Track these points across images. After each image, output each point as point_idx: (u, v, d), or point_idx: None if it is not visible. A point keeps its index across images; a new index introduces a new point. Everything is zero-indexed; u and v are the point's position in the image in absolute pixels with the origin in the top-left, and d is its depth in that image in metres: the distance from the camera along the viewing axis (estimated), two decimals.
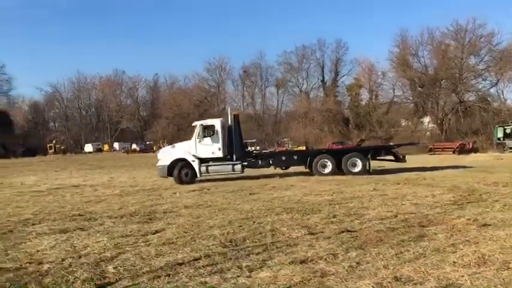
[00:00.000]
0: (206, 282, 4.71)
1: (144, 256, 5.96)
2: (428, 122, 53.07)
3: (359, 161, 18.84)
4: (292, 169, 20.62)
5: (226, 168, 18.42)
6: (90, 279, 5.00)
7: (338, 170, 18.70)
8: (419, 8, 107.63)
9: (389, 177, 16.67)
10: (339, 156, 19.04)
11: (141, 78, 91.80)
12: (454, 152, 39.15)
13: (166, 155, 18.70)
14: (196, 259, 5.66)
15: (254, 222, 8.19)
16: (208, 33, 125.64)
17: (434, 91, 51.77)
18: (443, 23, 62.02)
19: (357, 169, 18.66)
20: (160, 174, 18.57)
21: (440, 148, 42.12)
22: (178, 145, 19.45)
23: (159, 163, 18.62)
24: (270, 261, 5.44)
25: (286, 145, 52.82)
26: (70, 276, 5.14)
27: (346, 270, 4.96)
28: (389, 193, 11.83)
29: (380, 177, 16.77)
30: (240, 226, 7.81)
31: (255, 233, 7.12)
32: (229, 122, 19.12)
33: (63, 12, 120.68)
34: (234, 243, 6.49)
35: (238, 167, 18.41)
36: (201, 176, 18.23)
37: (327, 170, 18.76)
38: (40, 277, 5.18)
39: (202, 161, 18.20)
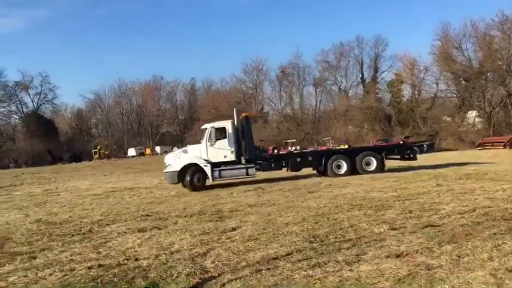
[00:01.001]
0: (311, 276, 4.74)
1: (234, 251, 6.07)
2: (475, 117, 51.38)
3: (373, 159, 18.50)
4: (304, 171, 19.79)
5: (239, 172, 17.52)
6: (193, 273, 5.14)
7: (353, 170, 18.15)
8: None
9: (446, 173, 16.26)
10: (353, 157, 18.50)
11: (179, 82, 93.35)
12: (504, 147, 37.75)
13: (176, 159, 17.57)
14: (288, 254, 5.71)
15: (328, 218, 8.18)
16: (244, 35, 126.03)
17: (480, 84, 50.10)
18: (487, 13, 60.07)
19: (372, 168, 18.30)
20: (169, 181, 17.46)
21: (489, 143, 40.71)
22: (188, 149, 18.29)
23: (168, 169, 17.49)
24: (364, 256, 5.43)
25: (328, 144, 52.35)
26: (172, 271, 5.30)
27: (450, 263, 4.89)
28: (455, 188, 11.54)
29: (436, 173, 16.38)
30: (316, 223, 7.82)
31: (335, 229, 7.11)
32: (236, 124, 18.24)
33: (102, 22, 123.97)
34: (318, 239, 6.51)
35: (252, 170, 17.62)
36: (213, 181, 17.37)
37: (342, 171, 18.23)
38: (144, 272, 5.36)
39: (213, 165, 17.24)
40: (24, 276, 5.59)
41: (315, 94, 69.86)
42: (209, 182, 17.44)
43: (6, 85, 79.39)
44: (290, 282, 4.57)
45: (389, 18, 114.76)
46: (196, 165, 17.16)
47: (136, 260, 6.02)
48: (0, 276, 5.73)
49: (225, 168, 17.36)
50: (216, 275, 5.05)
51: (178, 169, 17.08)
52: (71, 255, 6.69)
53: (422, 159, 20.80)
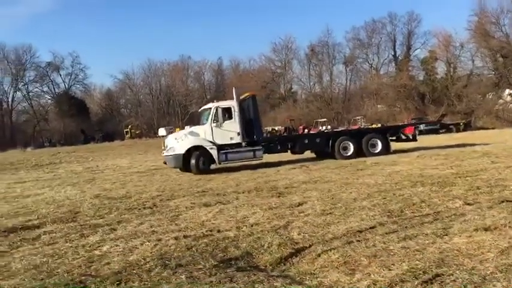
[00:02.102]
0: (406, 247, 4.78)
1: (314, 224, 6.17)
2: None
3: (379, 141, 18.29)
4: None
5: (247, 154, 16.68)
6: (284, 243, 5.26)
7: (359, 152, 17.82)
8: None
9: (494, 151, 15.96)
10: (359, 138, 18.19)
11: (207, 62, 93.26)
12: None
13: (179, 141, 16.48)
14: (372, 227, 5.77)
15: (394, 194, 8.18)
16: (273, 13, 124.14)
17: None
18: None
19: (377, 150, 18.09)
20: (173, 164, 16.53)
21: None
22: (191, 130, 17.13)
23: (171, 151, 16.37)
24: (451, 229, 5.43)
25: (359, 123, 51.83)
26: (262, 242, 5.43)
27: None
28: None
29: (484, 151, 16.12)
30: (384, 198, 7.84)
31: (407, 204, 7.11)
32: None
33: (128, 2, 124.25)
34: (394, 214, 6.54)
35: (259, 152, 16.75)
36: (219, 164, 16.53)
37: (349, 153, 17.81)
38: (233, 242, 5.51)
39: (219, 147, 16.36)
40: (116, 246, 5.81)
41: (345, 72, 68.96)
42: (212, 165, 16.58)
43: (38, 66, 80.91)
44: (389, 253, 4.62)
45: None
46: (201, 147, 16.25)
47: (219, 231, 6.18)
48: (92, 245, 5.98)
49: (231, 150, 16.52)
50: (307, 246, 5.15)
51: (183, 152, 16.08)
52: (151, 226, 6.91)
53: (463, 136, 20.46)
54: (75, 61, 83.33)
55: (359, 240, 5.17)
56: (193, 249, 5.32)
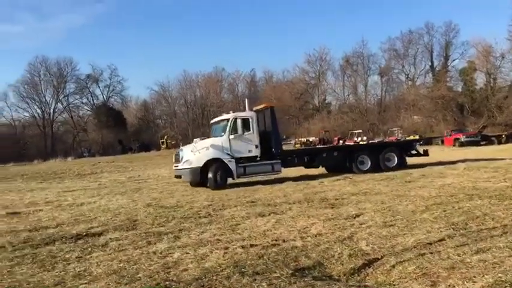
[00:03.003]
0: (484, 260, 4.76)
1: (380, 236, 6.19)
2: None
3: (394, 155, 18.01)
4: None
5: (265, 168, 15.91)
6: (355, 254, 5.32)
7: (375, 166, 17.41)
8: None
9: None
10: (376, 152, 17.89)
11: (240, 73, 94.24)
12: None
13: (196, 154, 15.50)
14: (441, 240, 5.76)
15: (454, 207, 8.10)
16: (307, 25, 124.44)
17: None
18: None
19: (393, 164, 17.79)
20: (188, 179, 15.52)
21: None
22: (207, 142, 16.10)
23: (186, 164, 15.34)
24: None
25: (396, 134, 51.12)
26: (331, 252, 5.51)
27: None
28: None
29: None
30: (444, 211, 7.77)
31: (470, 217, 7.04)
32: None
33: (159, 14, 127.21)
34: (460, 227, 6.48)
35: (278, 166, 16.04)
36: (236, 178, 15.70)
37: (366, 167, 17.38)
38: (303, 252, 5.61)
39: (236, 160, 15.55)
40: (186, 253, 5.99)
41: (380, 83, 68.29)
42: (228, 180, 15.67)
43: (78, 78, 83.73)
44: (467, 265, 4.61)
45: (461, 3, 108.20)
46: (219, 160, 15.33)
47: (284, 241, 6.28)
48: (162, 252, 6.18)
49: (250, 164, 15.72)
50: (379, 257, 5.19)
51: (201, 165, 15.12)
52: (214, 235, 7.08)
53: (507, 148, 19.97)
54: (113, 73, 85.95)
55: (431, 253, 5.18)
56: (265, 257, 5.44)
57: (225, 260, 5.46)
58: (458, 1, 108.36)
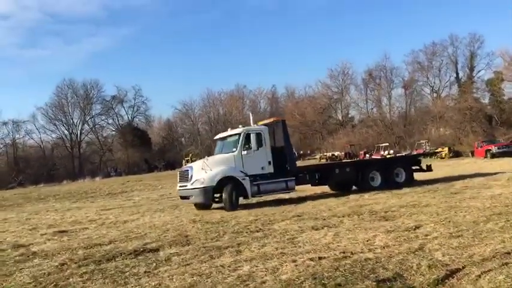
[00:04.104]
0: None
1: (452, 247, 6.06)
2: None
3: (403, 171, 17.39)
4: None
5: (279, 186, 14.83)
6: (434, 265, 5.22)
7: (386, 182, 16.60)
8: None
9: None
10: (385, 168, 17.25)
11: (262, 90, 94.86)
12: None
13: (207, 172, 14.15)
14: None
15: None
16: (328, 41, 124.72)
17: None
18: None
19: (401, 179, 17.12)
20: (200, 199, 14.08)
21: None
22: (217, 159, 14.99)
23: (198, 184, 14.02)
24: None
25: (424, 147, 50.41)
26: (408, 263, 5.42)
27: None
28: None
29: None
30: (508, 221, 7.60)
31: None
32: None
33: (180, 34, 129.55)
34: None
35: (292, 183, 15.03)
36: (251, 197, 14.61)
37: (377, 183, 16.59)
38: (378, 263, 5.52)
39: (250, 178, 14.40)
40: (255, 266, 5.97)
41: (404, 96, 67.69)
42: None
43: (104, 99, 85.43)
44: None
45: (485, 14, 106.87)
46: (232, 178, 14.17)
47: (353, 253, 6.20)
48: (230, 266, 6.17)
49: (263, 181, 14.56)
50: (460, 267, 5.08)
51: (215, 184, 13.92)
52: (276, 249, 7.04)
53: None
54: (138, 94, 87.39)
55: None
56: (341, 269, 5.38)
57: (299, 272, 5.42)
58: (481, 12, 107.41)
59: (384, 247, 6.41)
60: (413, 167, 18.22)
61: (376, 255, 5.98)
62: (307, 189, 17.04)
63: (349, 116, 77.66)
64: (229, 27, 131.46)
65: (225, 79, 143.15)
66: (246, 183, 14.17)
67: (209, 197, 13.96)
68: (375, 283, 4.74)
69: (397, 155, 50.21)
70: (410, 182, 17.06)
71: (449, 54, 67.47)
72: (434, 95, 66.47)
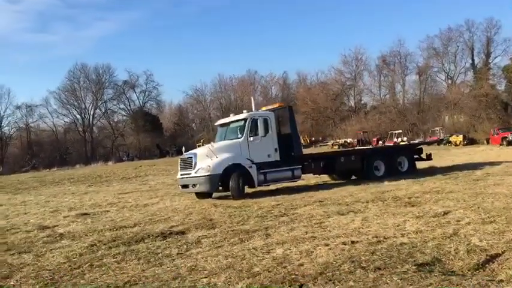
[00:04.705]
0: None
1: (488, 232, 6.02)
2: None
3: (406, 160, 17.12)
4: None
5: (285, 174, 14.27)
6: (472, 250, 5.17)
7: (389, 171, 16.30)
8: None
9: None
10: (389, 157, 16.94)
11: (274, 76, 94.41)
12: None
13: (213, 159, 13.41)
14: None
15: None
16: (341, 26, 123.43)
17: None
18: None
19: (404, 169, 16.88)
20: (205, 188, 13.33)
21: None
22: (222, 146, 14.14)
23: (202, 172, 13.27)
24: None
25: (438, 134, 49.99)
26: (445, 248, 5.38)
27: None
28: None
29: None
30: None
31: None
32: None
33: (190, 19, 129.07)
34: None
35: (298, 172, 14.52)
36: (257, 186, 13.91)
37: (380, 173, 16.26)
38: (415, 248, 5.49)
39: (257, 166, 13.79)
40: (288, 249, 5.98)
41: (418, 82, 66.88)
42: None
43: (116, 84, 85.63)
44: None
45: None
46: (239, 166, 13.55)
47: (385, 238, 6.17)
48: (262, 248, 6.17)
49: (270, 170, 13.97)
50: (500, 253, 5.03)
51: (221, 172, 13.24)
52: (306, 233, 7.03)
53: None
54: (149, 79, 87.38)
55: None
56: (377, 253, 5.36)
57: (335, 255, 5.41)
58: None
59: (416, 232, 6.36)
60: (415, 156, 17.97)
61: (411, 239, 5.95)
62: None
63: (362, 102, 77.14)
64: (239, 12, 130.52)
65: (237, 65, 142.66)
66: (253, 171, 13.57)
67: (215, 185, 13.29)
68: (414, 267, 4.71)
69: (411, 142, 50.04)
70: (413, 171, 16.77)
71: (465, 40, 66.60)
72: (449, 81, 65.79)
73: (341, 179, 16.88)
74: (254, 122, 14.03)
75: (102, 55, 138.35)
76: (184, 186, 14.10)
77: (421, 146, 19.17)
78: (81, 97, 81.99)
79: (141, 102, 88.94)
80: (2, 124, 75.97)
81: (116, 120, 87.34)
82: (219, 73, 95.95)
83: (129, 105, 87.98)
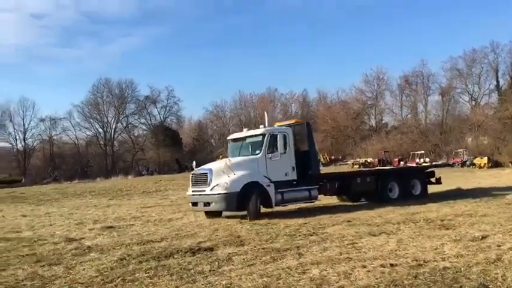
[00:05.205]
0: None
1: None
2: None
3: (418, 183, 16.55)
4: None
5: (302, 194, 13.51)
6: None
7: (403, 194, 15.76)
8: None
9: None
10: (403, 179, 16.33)
11: (294, 94, 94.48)
12: None
13: (230, 176, 12.43)
14: None
15: None
16: (363, 44, 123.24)
17: None
18: None
19: (417, 192, 16.31)
20: (221, 206, 12.43)
21: None
22: (237, 162, 13.16)
23: (219, 189, 12.28)
24: None
25: (462, 156, 49.13)
26: (492, 274, 5.17)
27: None
28: None
29: None
30: None
31: None
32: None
33: (213, 36, 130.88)
34: None
35: (315, 192, 13.78)
36: (274, 206, 13.07)
37: (395, 195, 15.68)
38: (459, 273, 5.29)
39: (275, 185, 12.91)
40: (325, 270, 5.82)
41: (441, 103, 66.16)
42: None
43: (137, 99, 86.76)
44: None
45: None
46: (257, 184, 12.63)
47: (426, 261, 5.96)
48: (297, 268, 6.02)
49: (287, 189, 13.16)
50: None
51: (239, 190, 12.24)
52: (340, 253, 6.86)
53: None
54: (170, 94, 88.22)
55: None
56: (420, 277, 5.17)
57: (376, 279, 5.23)
58: None
59: (457, 256, 6.15)
60: (428, 180, 17.26)
61: (453, 264, 5.74)
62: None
63: (383, 122, 76.54)
64: (261, 30, 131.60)
65: (257, 83, 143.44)
66: (271, 191, 12.69)
67: (232, 204, 12.24)
68: None
69: (433, 163, 49.22)
70: (425, 195, 16.26)
71: (489, 61, 65.88)
72: (473, 103, 64.95)
73: (351, 200, 16.31)
74: (273, 137, 13.23)
75: (126, 70, 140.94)
76: (195, 204, 13.26)
77: (433, 169, 18.42)
78: (103, 111, 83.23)
79: (161, 117, 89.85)
80: (26, 136, 77.43)
81: (136, 134, 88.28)
82: (240, 90, 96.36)
83: (150, 119, 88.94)
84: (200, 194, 12.94)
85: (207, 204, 12.65)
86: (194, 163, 14.39)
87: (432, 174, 17.67)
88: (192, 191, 13.43)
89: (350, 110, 74.71)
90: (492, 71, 65.72)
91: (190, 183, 13.68)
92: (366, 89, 76.77)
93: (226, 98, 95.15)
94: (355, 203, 15.89)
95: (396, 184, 15.91)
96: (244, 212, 12.54)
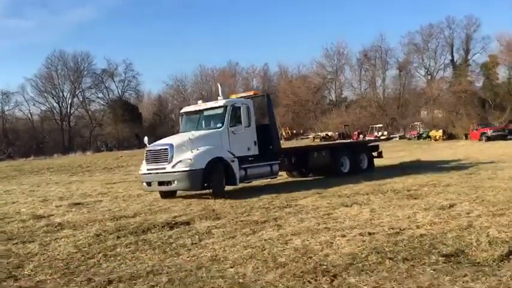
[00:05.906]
0: None
1: (502, 225, 6.10)
2: None
3: (365, 157, 17.01)
4: None
5: (265, 170, 12.94)
6: (494, 242, 5.23)
7: (353, 168, 15.91)
8: None
9: None
10: (354, 153, 16.50)
11: (255, 68, 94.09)
12: None
13: (194, 151, 11.30)
14: None
15: None
16: (324, 19, 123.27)
17: None
18: None
19: (364, 166, 16.73)
20: (186, 185, 11.30)
21: None
22: (199, 136, 11.97)
23: (182, 166, 11.13)
24: None
25: (418, 129, 50.86)
26: (466, 240, 5.44)
27: None
28: None
29: None
30: None
31: None
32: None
33: (170, 8, 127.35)
34: None
35: (276, 168, 13.27)
36: (239, 183, 12.20)
37: (346, 169, 15.77)
38: (435, 240, 5.53)
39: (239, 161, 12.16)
40: (307, 240, 5.94)
41: (399, 77, 67.81)
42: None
43: (94, 73, 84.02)
44: None
45: None
46: (221, 160, 11.76)
47: (401, 229, 6.19)
48: (279, 240, 6.13)
49: (249, 165, 12.57)
50: None
51: (204, 166, 11.23)
52: (318, 224, 7.02)
53: None
54: (128, 68, 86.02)
55: None
56: (400, 244, 5.38)
57: (358, 247, 5.40)
58: None
59: (430, 224, 6.42)
60: (373, 153, 17.70)
61: (428, 231, 5.99)
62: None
63: (343, 96, 77.80)
64: (219, 2, 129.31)
65: (217, 56, 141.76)
66: (235, 167, 11.89)
67: (198, 181, 11.20)
68: (442, 258, 4.74)
69: (391, 136, 50.68)
70: (372, 169, 16.73)
71: (445, 36, 67.85)
72: (429, 77, 66.86)
73: (300, 176, 16.27)
74: (235, 110, 12.47)
75: (80, 43, 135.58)
76: (150, 184, 12.01)
77: (377, 143, 19.00)
78: (58, 85, 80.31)
79: (120, 92, 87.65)
80: None
81: (93, 109, 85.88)
82: (200, 64, 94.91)
83: (108, 94, 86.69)
84: (158, 173, 11.66)
85: (167, 183, 11.47)
86: (146, 138, 12.85)
87: (376, 148, 18.13)
88: (148, 169, 12.05)
89: (311, 85, 75.34)
90: (447, 46, 67.79)
91: (145, 160, 12.40)
92: (326, 64, 77.59)
93: (187, 72, 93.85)
94: (307, 178, 15.92)
95: (347, 158, 16.01)
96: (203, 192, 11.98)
